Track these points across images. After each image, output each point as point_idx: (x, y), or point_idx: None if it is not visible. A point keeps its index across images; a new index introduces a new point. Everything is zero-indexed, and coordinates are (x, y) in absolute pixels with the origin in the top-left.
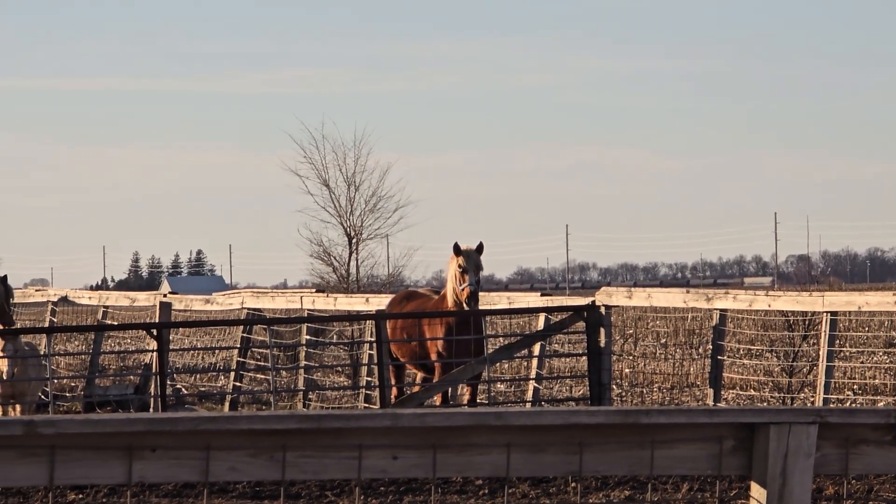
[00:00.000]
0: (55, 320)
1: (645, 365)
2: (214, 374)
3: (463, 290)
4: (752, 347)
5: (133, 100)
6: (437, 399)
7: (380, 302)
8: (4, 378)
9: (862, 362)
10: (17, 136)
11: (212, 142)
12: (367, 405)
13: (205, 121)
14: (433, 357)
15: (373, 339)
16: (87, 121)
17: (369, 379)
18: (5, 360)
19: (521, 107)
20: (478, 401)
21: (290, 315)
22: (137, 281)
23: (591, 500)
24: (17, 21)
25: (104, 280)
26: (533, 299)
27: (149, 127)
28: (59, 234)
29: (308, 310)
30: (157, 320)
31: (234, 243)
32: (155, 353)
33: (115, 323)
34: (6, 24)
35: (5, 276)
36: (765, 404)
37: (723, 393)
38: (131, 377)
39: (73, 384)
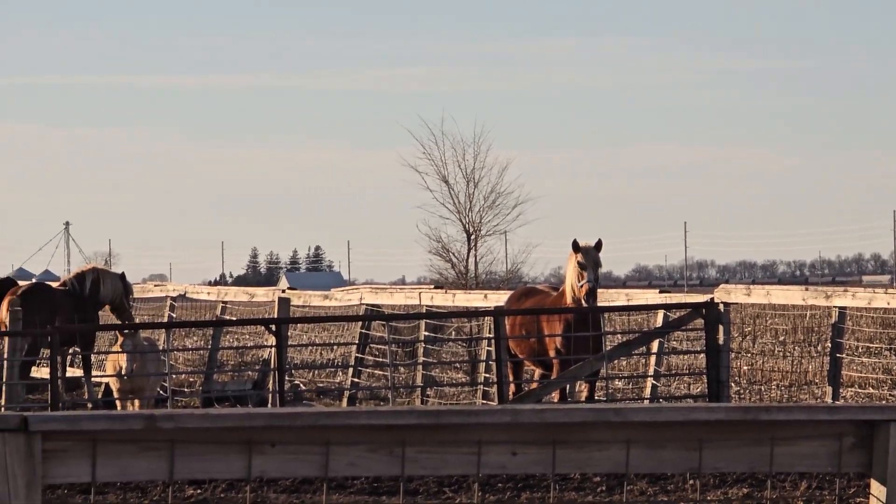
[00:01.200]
0: (174, 316)
1: (763, 362)
2: (332, 370)
3: (581, 286)
4: (871, 345)
5: (252, 97)
6: (556, 396)
7: (498, 298)
8: (123, 373)
9: None
10: (135, 131)
11: (331, 138)
12: (484, 401)
13: (324, 117)
14: (551, 353)
15: (491, 336)
16: (207, 118)
17: (487, 375)
18: (124, 356)
19: (641, 105)
20: (596, 397)
21: (409, 311)
22: (256, 277)
23: (709, 498)
24: (148, 19)
25: (222, 276)
26: (651, 296)
27: (268, 124)
28: (178, 230)
29: (426, 306)
30: (275, 316)
31: (352, 239)
32: (273, 348)
33: (234, 318)
34: (143, 22)
35: (123, 273)
36: (884, 402)
37: (841, 391)
38: (249, 373)
39: (191, 380)
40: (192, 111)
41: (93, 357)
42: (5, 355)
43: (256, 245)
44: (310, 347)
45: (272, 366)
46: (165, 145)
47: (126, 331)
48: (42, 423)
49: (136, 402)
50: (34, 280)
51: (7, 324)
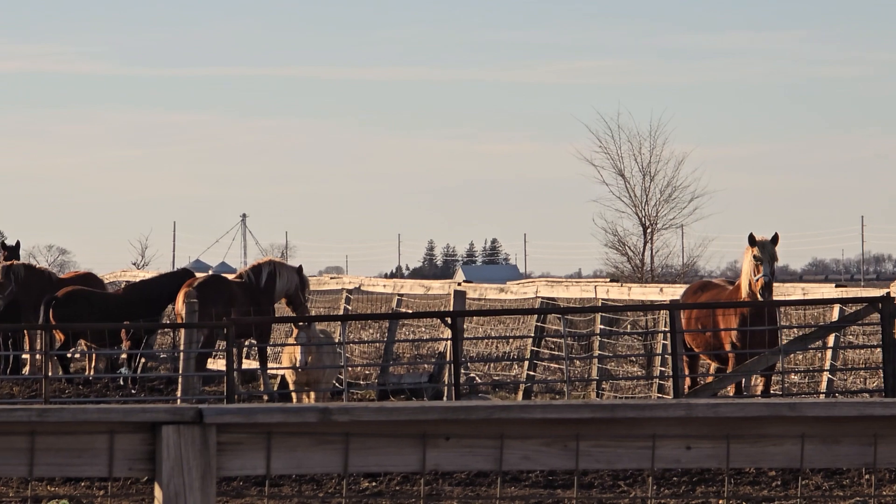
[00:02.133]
0: (350, 308)
1: None
2: (508, 362)
3: (757, 280)
4: None
5: (428, 89)
6: (731, 390)
7: (674, 292)
8: (299, 366)
9: None
10: (313, 124)
11: (507, 131)
12: (660, 395)
13: (500, 110)
14: (727, 347)
15: (667, 330)
16: (385, 111)
17: (663, 369)
18: (300, 348)
19: (817, 98)
20: (771, 392)
21: (584, 304)
22: (432, 269)
23: (884, 493)
24: (328, 12)
25: (399, 268)
26: (827, 290)
27: (444, 116)
28: (354, 223)
29: (602, 299)
30: (451, 309)
31: (528, 232)
32: (449, 341)
33: (410, 311)
34: (325, 15)
35: (300, 266)
36: None
37: None
38: (425, 365)
39: (366, 372)
40: (370, 104)
41: (268, 349)
42: (181, 347)
43: (433, 237)
44: (485, 340)
45: (448, 358)
46: (343, 137)
47: (302, 323)
48: (217, 415)
49: (312, 395)
50: (211, 272)
51: (183, 316)
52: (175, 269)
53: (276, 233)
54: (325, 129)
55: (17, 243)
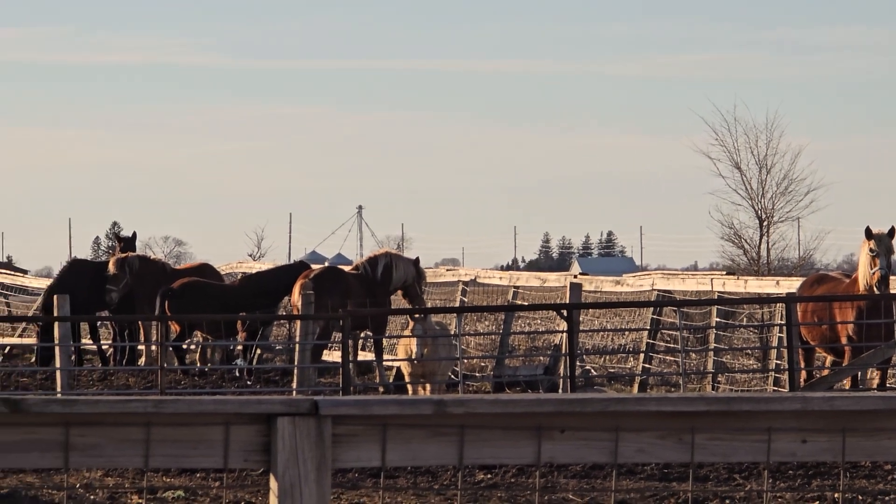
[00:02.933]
0: (465, 300)
1: None
2: (623, 355)
3: (873, 274)
4: None
5: (543, 82)
6: (847, 383)
7: (790, 285)
8: (414, 358)
9: None
10: (429, 116)
11: (623, 124)
12: (775, 388)
13: (616, 103)
14: (843, 341)
15: (783, 323)
16: (499, 103)
17: (778, 362)
18: (416, 340)
19: None
20: (887, 385)
21: (700, 297)
22: (548, 261)
23: None
24: (441, 4)
25: (514, 260)
26: None
27: (559, 109)
28: (470, 215)
29: (718, 292)
30: (566, 301)
31: (644, 225)
32: (564, 333)
33: (526, 303)
34: (438, 7)
35: (417, 259)
36: None
37: None
38: (541, 358)
39: (482, 364)
40: (486, 96)
41: (384, 341)
42: (297, 338)
43: (549, 230)
44: (601, 333)
45: (563, 351)
46: (459, 129)
47: (418, 315)
48: (333, 407)
49: (427, 387)
50: (327, 264)
51: (299, 307)
52: (291, 262)
53: (393, 225)
54: (440, 120)
55: (133, 234)
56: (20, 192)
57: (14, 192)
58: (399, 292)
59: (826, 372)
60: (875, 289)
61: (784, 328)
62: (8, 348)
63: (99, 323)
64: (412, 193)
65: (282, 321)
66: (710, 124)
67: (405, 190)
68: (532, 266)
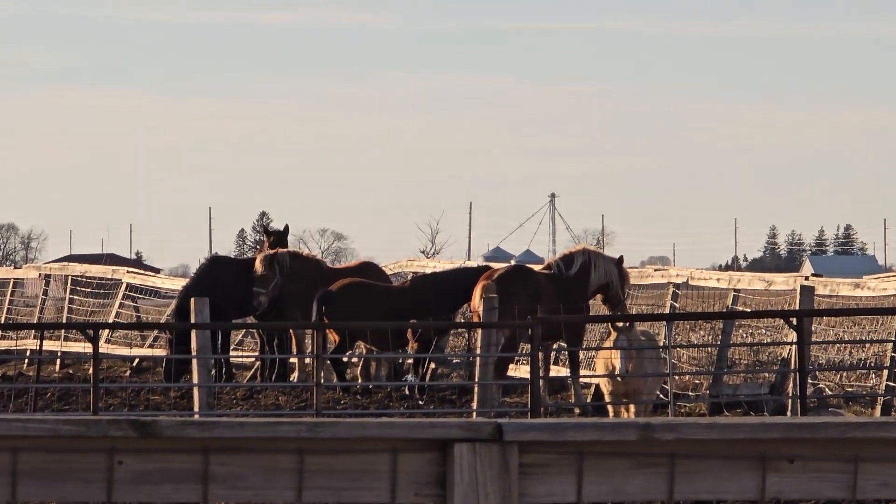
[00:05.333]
0: (677, 306)
1: None
2: (864, 371)
3: None
4: None
5: (777, 48)
6: None
7: None
8: (617, 374)
9: None
10: (637, 88)
11: (867, 96)
12: None
13: (856, 72)
14: None
15: None
16: (719, 77)
17: None
18: (618, 353)
19: None
20: None
21: None
22: (774, 260)
23: None
24: None
25: (735, 259)
26: None
27: (794, 81)
28: (682, 205)
29: None
30: (796, 307)
31: (889, 218)
32: (794, 345)
33: (748, 310)
34: None
35: (621, 258)
36: None
37: None
38: (765, 374)
39: (696, 381)
40: (695, 67)
41: (581, 354)
42: (478, 350)
43: (776, 223)
44: (837, 345)
45: (792, 366)
46: (670, 103)
47: (621, 323)
48: (520, 431)
49: (632, 409)
50: (513, 262)
51: (481, 314)
52: (470, 265)
53: (591, 216)
54: (645, 96)
55: (286, 228)
56: (151, 178)
57: (145, 178)
58: (598, 296)
59: None
60: None
61: None
62: (136, 361)
63: (245, 331)
64: (614, 179)
65: (460, 330)
66: None
67: (606, 175)
68: (755, 265)
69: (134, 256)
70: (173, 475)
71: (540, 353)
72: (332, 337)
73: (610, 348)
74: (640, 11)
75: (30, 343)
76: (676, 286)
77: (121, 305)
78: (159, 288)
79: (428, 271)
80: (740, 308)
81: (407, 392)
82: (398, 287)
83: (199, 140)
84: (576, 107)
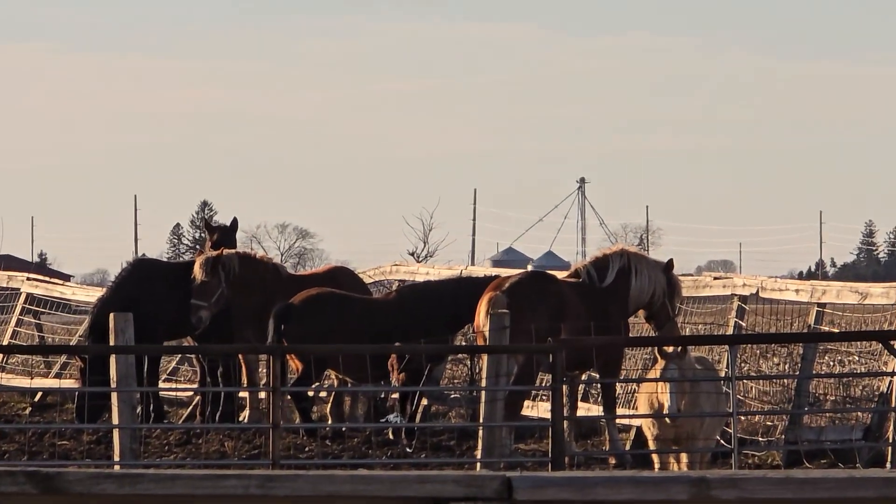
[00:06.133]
0: (743, 325)
1: None
2: None
3: None
4: None
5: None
6: None
7: None
8: (665, 414)
9: None
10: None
11: None
12: None
13: None
14: None
15: None
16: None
17: None
18: (666, 387)
19: None
20: None
21: None
22: (871, 266)
23: None
24: None
25: (819, 264)
26: None
27: (872, 37)
28: (748, 195)
29: None
30: (894, 326)
31: None
32: (895, 377)
33: (836, 330)
34: None
35: (670, 262)
36: None
37: None
38: (859, 413)
39: (768, 423)
40: (753, 25)
41: (618, 387)
42: (483, 382)
43: (873, 218)
44: None
45: (893, 404)
46: (734, 66)
47: (670, 348)
48: (536, 488)
49: (683, 458)
50: (530, 267)
51: (487, 334)
52: (474, 271)
53: (632, 208)
54: (706, 48)
55: (234, 222)
56: (60, 159)
57: (50, 159)
58: (640, 312)
59: None
60: None
61: None
62: (39, 395)
63: (180, 357)
64: (661, 161)
65: (460, 355)
66: None
67: (650, 155)
68: (846, 272)
69: (36, 259)
70: None
71: (564, 387)
72: (294, 364)
73: (656, 380)
74: None
75: None
76: (743, 299)
77: (18, 323)
78: (69, 300)
79: (419, 279)
80: (826, 328)
81: (391, 436)
82: (380, 300)
83: (124, 112)
84: (611, 66)
